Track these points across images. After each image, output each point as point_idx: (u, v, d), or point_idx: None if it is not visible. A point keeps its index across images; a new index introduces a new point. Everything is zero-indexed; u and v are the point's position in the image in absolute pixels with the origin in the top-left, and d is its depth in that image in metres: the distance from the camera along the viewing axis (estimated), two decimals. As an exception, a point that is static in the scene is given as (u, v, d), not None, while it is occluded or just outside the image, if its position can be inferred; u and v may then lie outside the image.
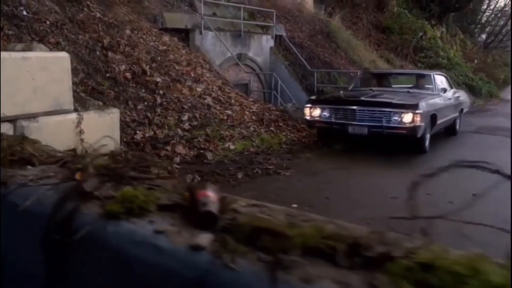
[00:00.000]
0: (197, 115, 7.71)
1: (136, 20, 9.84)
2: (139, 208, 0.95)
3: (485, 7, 31.28)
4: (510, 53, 20.10)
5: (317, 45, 14.33)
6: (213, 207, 0.90)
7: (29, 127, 4.89)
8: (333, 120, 7.53)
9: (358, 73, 11.85)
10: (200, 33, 11.01)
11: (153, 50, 8.67)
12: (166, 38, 10.19)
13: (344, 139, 7.59)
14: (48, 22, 7.10)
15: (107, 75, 6.99)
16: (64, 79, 5.40)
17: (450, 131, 9.37)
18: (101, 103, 6.01)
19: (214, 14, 11.89)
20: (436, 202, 2.85)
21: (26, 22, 6.72)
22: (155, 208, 0.96)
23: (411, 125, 6.88)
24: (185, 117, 7.38)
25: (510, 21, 20.27)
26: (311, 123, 7.97)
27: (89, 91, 6.39)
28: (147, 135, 6.48)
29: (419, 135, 7.06)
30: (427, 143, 7.60)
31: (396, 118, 6.96)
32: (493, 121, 11.81)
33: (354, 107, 7.36)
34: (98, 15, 8.49)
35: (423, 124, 7.00)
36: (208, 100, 8.39)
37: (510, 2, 20.57)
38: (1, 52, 4.76)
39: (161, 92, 7.67)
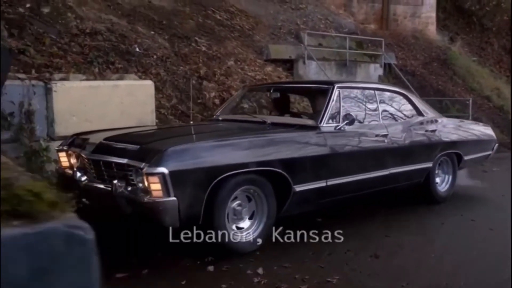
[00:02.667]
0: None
1: (243, 53, 10.66)
2: None
3: None
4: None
5: (431, 73, 13.79)
6: None
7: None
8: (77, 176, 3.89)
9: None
10: (304, 63, 11.46)
11: (248, 78, 9.33)
12: (269, 68, 10.82)
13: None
14: (155, 56, 8.16)
15: (198, 101, 7.78)
16: (147, 103, 6.24)
17: (424, 194, 5.44)
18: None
19: (320, 45, 12.27)
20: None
21: (136, 57, 7.83)
22: None
23: (151, 199, 3.30)
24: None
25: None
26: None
27: (178, 114, 7.21)
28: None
29: (168, 222, 3.40)
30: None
31: (135, 180, 3.46)
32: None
33: (84, 155, 3.91)
34: (203, 49, 9.44)
35: (172, 201, 3.26)
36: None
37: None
38: (96, 81, 5.78)
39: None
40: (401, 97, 5.35)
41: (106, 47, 7.61)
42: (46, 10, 7.47)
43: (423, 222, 4.92)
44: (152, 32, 9.07)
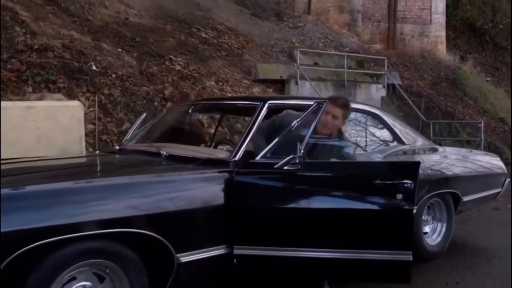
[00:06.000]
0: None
1: (228, 73, 9.38)
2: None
3: None
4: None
5: (439, 94, 12.23)
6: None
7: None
8: None
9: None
10: (296, 83, 10.10)
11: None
12: (257, 89, 9.52)
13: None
14: (114, 76, 6.95)
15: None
16: (73, 128, 4.94)
17: None
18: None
19: (315, 64, 10.90)
20: None
21: (90, 76, 6.61)
22: None
23: None
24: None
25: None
26: None
27: (127, 142, 5.92)
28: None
29: None
30: None
31: None
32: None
33: None
34: (177, 67, 8.21)
35: None
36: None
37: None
38: (2, 102, 4.52)
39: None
40: (374, 120, 3.74)
41: (53, 65, 6.43)
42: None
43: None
44: (120, 50, 7.89)
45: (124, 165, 2.89)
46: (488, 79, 14.83)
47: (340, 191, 2.50)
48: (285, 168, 2.46)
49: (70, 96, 6.05)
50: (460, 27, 16.11)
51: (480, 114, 12.06)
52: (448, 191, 3.89)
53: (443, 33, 14.89)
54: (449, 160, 4.15)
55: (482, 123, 10.12)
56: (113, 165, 2.97)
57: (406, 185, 2.35)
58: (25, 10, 7.54)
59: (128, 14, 9.49)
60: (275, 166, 2.49)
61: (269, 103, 2.89)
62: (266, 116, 2.90)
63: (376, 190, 2.40)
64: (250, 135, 2.73)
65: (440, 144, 10.56)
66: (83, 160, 3.35)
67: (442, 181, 3.85)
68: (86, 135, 5.62)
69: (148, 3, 10.24)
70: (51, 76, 6.04)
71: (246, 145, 2.69)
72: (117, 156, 3.18)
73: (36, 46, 6.64)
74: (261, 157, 2.61)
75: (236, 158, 2.62)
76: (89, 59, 7.02)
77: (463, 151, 4.83)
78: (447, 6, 14.97)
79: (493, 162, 4.59)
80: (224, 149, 3.12)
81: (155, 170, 2.60)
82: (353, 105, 3.45)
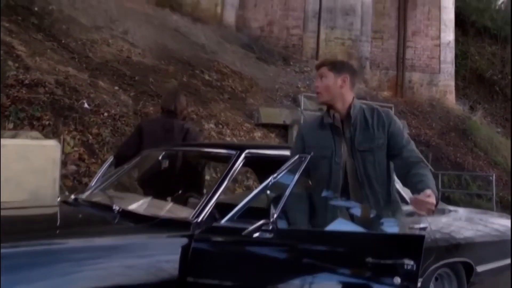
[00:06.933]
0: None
1: (230, 116, 8.99)
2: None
3: None
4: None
5: (448, 144, 11.69)
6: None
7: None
8: None
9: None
10: (299, 128, 9.65)
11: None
12: (258, 133, 9.10)
13: None
14: (106, 114, 6.57)
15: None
16: (47, 170, 4.50)
17: None
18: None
19: (320, 110, 10.46)
20: None
21: (80, 114, 6.23)
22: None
23: None
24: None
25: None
26: None
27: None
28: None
29: None
30: None
31: None
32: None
33: None
34: (175, 109, 7.82)
35: None
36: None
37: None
38: (-31, 140, 4.11)
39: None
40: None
41: (42, 101, 6.06)
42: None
43: None
44: (116, 88, 7.55)
45: (62, 223, 2.37)
46: (499, 130, 14.30)
47: (320, 269, 1.94)
48: (254, 235, 1.94)
49: (55, 134, 5.65)
50: (469, 77, 15.74)
51: (491, 166, 11.46)
52: (459, 261, 3.29)
53: (452, 83, 14.51)
54: (460, 223, 3.57)
55: (494, 176, 9.53)
56: (47, 223, 2.42)
57: (406, 266, 1.79)
58: (23, 45, 7.30)
59: (131, 53, 9.26)
60: (243, 233, 1.97)
61: (247, 153, 2.38)
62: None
63: (367, 271, 1.83)
64: (220, 190, 2.22)
65: (449, 197, 9.99)
66: (16, 213, 2.76)
67: (453, 248, 3.27)
68: (66, 176, 5.19)
69: (153, 43, 10.04)
70: (36, 112, 5.66)
71: (213, 203, 2.17)
72: (65, 208, 2.66)
73: (27, 81, 6.31)
74: (227, 220, 2.08)
75: (199, 219, 2.10)
76: (82, 96, 6.67)
77: (476, 212, 4.24)
78: (456, 56, 14.67)
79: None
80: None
81: (93, 231, 2.07)
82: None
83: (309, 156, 2.25)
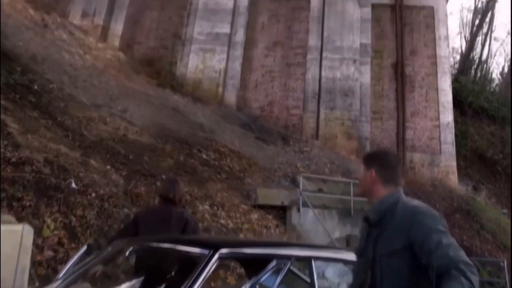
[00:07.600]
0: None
1: (226, 196, 8.61)
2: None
3: None
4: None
5: (453, 226, 11.12)
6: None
7: None
8: None
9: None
10: (298, 210, 9.22)
11: (217, 228, 7.12)
12: (255, 215, 8.64)
13: None
14: (93, 195, 6.21)
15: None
16: (14, 257, 4.06)
17: None
18: None
19: (320, 190, 10.12)
20: None
21: (65, 194, 5.88)
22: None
23: None
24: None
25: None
26: None
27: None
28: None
29: None
30: None
31: None
32: None
33: None
34: (169, 188, 7.47)
35: None
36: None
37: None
38: None
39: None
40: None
41: (27, 180, 5.74)
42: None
43: None
44: (108, 167, 7.27)
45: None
46: (505, 211, 13.77)
47: None
48: None
49: (35, 215, 5.27)
50: (470, 156, 15.52)
51: (500, 250, 10.81)
52: None
53: (454, 163, 14.24)
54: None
55: (505, 262, 8.90)
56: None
57: None
58: (16, 122, 7.13)
59: (128, 131, 9.11)
60: None
61: (221, 253, 1.97)
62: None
63: None
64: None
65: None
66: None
67: None
68: (40, 264, 4.72)
69: (151, 122, 9.94)
70: (17, 192, 5.31)
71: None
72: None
73: (14, 159, 6.03)
74: None
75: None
76: (70, 175, 6.36)
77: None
78: (456, 136, 14.55)
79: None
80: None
81: None
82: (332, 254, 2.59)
83: (290, 263, 1.85)
